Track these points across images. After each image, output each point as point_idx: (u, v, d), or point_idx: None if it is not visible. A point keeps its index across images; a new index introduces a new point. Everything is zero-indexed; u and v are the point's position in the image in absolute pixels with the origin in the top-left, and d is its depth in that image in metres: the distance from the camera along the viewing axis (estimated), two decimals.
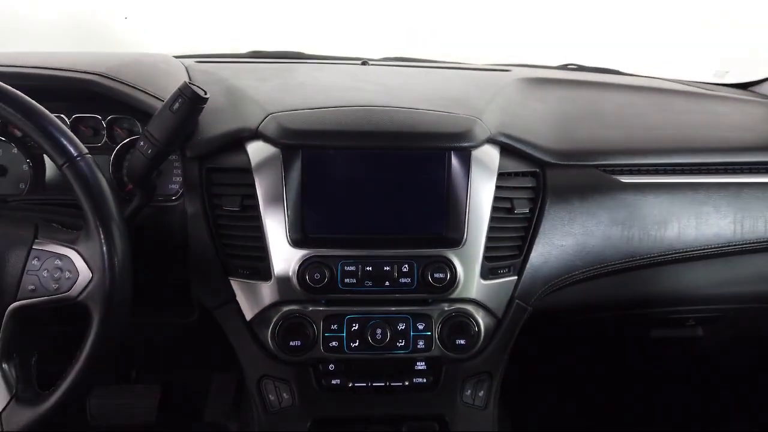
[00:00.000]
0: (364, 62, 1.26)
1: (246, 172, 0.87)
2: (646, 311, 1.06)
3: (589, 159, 0.96)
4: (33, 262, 0.67)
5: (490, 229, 0.87)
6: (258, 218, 0.85)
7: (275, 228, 0.84)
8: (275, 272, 0.84)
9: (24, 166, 0.99)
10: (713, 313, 1.10)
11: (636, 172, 0.97)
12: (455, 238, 0.86)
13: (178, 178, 0.98)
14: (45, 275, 0.67)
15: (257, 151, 0.87)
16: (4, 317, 0.67)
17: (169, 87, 0.96)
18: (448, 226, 0.86)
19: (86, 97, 0.91)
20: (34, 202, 0.93)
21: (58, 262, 0.67)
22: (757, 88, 1.34)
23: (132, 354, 1.32)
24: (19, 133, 0.98)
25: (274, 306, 0.85)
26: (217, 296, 0.88)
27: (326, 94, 0.99)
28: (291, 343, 0.83)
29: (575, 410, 1.45)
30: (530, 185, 0.92)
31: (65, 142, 0.66)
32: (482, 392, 0.89)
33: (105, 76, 0.88)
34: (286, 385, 0.87)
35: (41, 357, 0.76)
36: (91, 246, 0.66)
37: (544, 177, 0.92)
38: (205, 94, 0.80)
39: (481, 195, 0.87)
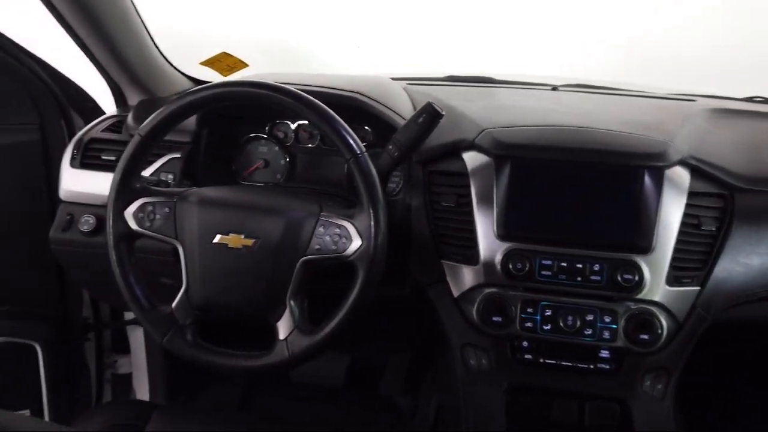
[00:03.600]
0: (554, 88, 1.41)
1: (462, 175, 1.05)
2: None
3: None
4: (319, 229, 0.90)
5: (678, 241, 0.97)
6: (470, 213, 1.03)
7: (485, 222, 1.02)
8: (482, 259, 1.02)
9: (281, 161, 1.28)
10: None
11: None
12: (644, 246, 0.97)
13: (395, 179, 1.20)
14: (327, 239, 0.90)
15: (472, 159, 1.06)
16: (296, 267, 0.91)
17: (398, 104, 1.19)
18: (638, 235, 0.98)
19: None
20: (289, 188, 1.20)
21: (337, 230, 0.90)
22: None
23: None
24: (282, 136, 1.27)
25: (477, 287, 1.02)
26: (431, 275, 1.07)
27: (529, 115, 1.15)
28: (493, 319, 0.99)
29: (748, 420, 1.45)
30: (718, 206, 1.00)
31: (352, 142, 0.89)
32: (660, 386, 0.99)
33: (363, 95, 1.13)
34: (484, 353, 1.03)
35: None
36: (364, 220, 0.88)
37: (733, 200, 1.00)
38: (442, 111, 1.00)
39: (671, 210, 0.98)
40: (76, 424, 1.05)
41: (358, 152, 0.89)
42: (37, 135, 1.38)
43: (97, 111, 1.46)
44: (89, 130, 1.27)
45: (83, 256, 1.20)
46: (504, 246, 1.00)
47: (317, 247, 0.90)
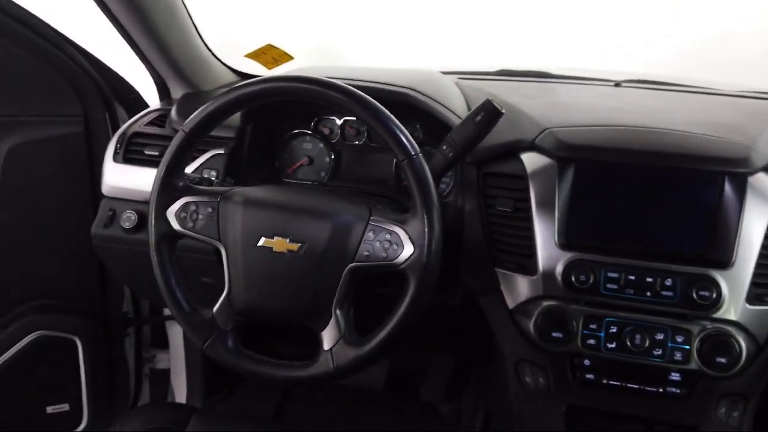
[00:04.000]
0: (617, 84, 1.32)
1: (520, 178, 0.98)
2: None
3: None
4: (369, 234, 0.85)
5: (761, 255, 0.88)
6: (528, 220, 0.96)
7: (544, 230, 0.94)
8: (541, 269, 0.94)
9: (326, 159, 1.22)
10: None
11: None
12: (723, 260, 0.88)
13: (446, 180, 1.14)
14: (377, 245, 0.84)
15: (532, 160, 0.98)
16: (343, 274, 0.85)
17: (452, 101, 1.12)
18: (716, 248, 0.89)
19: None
20: (335, 187, 1.15)
21: (387, 236, 0.84)
22: None
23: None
24: (327, 132, 1.22)
25: (535, 299, 0.95)
26: (484, 283, 1.01)
27: (593, 113, 1.07)
28: (553, 334, 0.92)
29: None
30: None
31: (407, 143, 0.83)
32: (736, 413, 0.91)
33: (416, 90, 1.06)
34: (542, 370, 0.96)
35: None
36: (416, 226, 0.82)
37: None
38: (502, 109, 0.93)
39: (754, 221, 0.89)
40: (114, 426, 1.02)
41: (413, 153, 0.83)
42: (81, 127, 1.36)
43: (141, 103, 1.44)
44: (132, 124, 1.25)
45: (124, 253, 1.18)
46: (566, 256, 0.93)
47: (366, 253, 0.84)
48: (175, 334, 1.63)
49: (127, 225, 1.15)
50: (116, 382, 1.54)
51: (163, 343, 1.67)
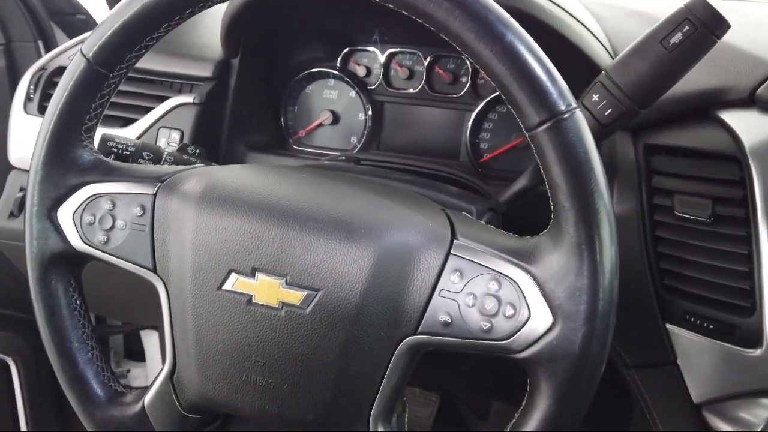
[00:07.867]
0: None
1: (725, 160, 0.54)
2: None
3: None
4: (452, 278, 0.41)
5: None
6: (744, 240, 0.52)
7: None
8: None
9: (360, 115, 0.78)
10: None
11: None
12: None
13: None
14: (468, 303, 0.40)
15: (752, 128, 0.54)
16: (394, 355, 0.42)
17: (581, 15, 0.65)
18: None
19: None
20: (371, 164, 0.70)
21: (493, 285, 0.39)
22: None
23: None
24: (362, 73, 0.76)
25: (755, 396, 0.51)
26: (640, 350, 0.57)
27: None
28: None
29: None
30: None
31: (554, 91, 0.37)
32: None
33: None
34: None
35: None
36: (562, 269, 0.37)
37: None
38: (725, 19, 0.47)
39: None
40: None
41: (563, 109, 0.37)
42: (2, 60, 0.95)
43: (89, 27, 1.02)
44: (57, 55, 0.82)
45: None
46: None
47: (445, 318, 0.41)
48: (152, 344, 1.26)
49: None
50: (71, 411, 1.16)
51: (138, 355, 1.30)
